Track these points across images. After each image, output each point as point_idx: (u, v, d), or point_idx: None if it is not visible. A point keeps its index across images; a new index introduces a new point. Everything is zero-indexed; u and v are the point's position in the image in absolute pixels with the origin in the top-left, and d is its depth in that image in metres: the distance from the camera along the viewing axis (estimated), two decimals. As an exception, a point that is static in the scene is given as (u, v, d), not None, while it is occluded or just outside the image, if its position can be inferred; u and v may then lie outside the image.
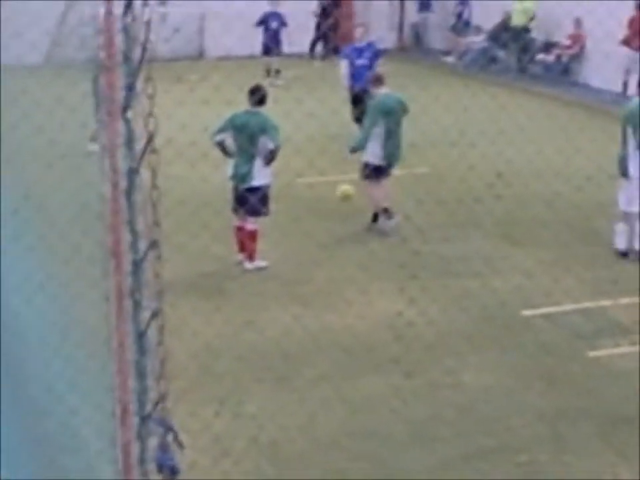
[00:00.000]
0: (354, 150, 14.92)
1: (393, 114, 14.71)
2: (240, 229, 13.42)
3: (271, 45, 25.91)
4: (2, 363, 5.33)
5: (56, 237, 6.60)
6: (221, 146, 13.33)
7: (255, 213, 13.16)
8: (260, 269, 13.25)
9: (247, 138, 13.08)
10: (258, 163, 13.10)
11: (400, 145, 14.84)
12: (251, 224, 13.29)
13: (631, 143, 13.37)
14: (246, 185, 13.12)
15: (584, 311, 12.02)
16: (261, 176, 13.19)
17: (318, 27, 28.84)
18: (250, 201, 12.78)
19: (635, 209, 13.46)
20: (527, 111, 18.33)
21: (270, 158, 13.14)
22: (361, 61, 17.94)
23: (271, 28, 25.83)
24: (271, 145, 13.06)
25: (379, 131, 14.60)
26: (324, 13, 28.53)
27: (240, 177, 13.20)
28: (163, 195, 4.57)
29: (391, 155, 14.79)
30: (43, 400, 5.91)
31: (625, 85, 22.86)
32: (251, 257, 13.31)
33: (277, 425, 9.37)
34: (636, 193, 13.31)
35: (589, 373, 10.54)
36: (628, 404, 9.78)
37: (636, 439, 9.08)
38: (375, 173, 14.69)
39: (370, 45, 18.73)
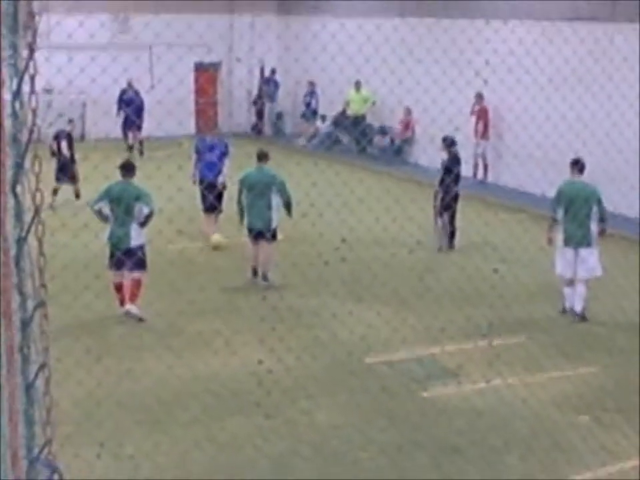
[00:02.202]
0: (240, 217, 15.14)
1: (255, 186, 14.80)
2: (119, 286, 13.37)
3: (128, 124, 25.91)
4: None
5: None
6: (99, 213, 13.36)
7: (138, 267, 13.22)
8: (140, 319, 13.22)
9: (124, 205, 13.18)
10: (134, 226, 13.18)
11: (266, 214, 14.86)
12: (136, 274, 13.32)
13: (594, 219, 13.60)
14: (125, 246, 13.14)
15: (418, 357, 12.17)
16: (137, 237, 13.27)
17: None
18: (131, 258, 12.87)
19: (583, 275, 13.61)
20: (366, 186, 18.56)
21: (145, 221, 13.25)
22: (210, 157, 17.49)
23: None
24: (146, 210, 13.18)
25: (245, 200, 14.90)
26: None
27: (118, 239, 13.21)
28: (48, 260, 4.46)
29: (253, 221, 14.86)
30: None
31: (476, 165, 23.52)
32: (132, 301, 13.33)
33: (152, 464, 9.19)
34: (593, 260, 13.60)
35: (422, 410, 10.63)
36: (457, 437, 9.91)
37: (465, 467, 9.19)
38: (249, 235, 15.00)
39: (221, 142, 18.06)
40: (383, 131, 26.92)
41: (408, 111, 25.47)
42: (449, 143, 17.79)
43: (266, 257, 15.18)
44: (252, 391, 10.63)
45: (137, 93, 27.22)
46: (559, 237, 13.85)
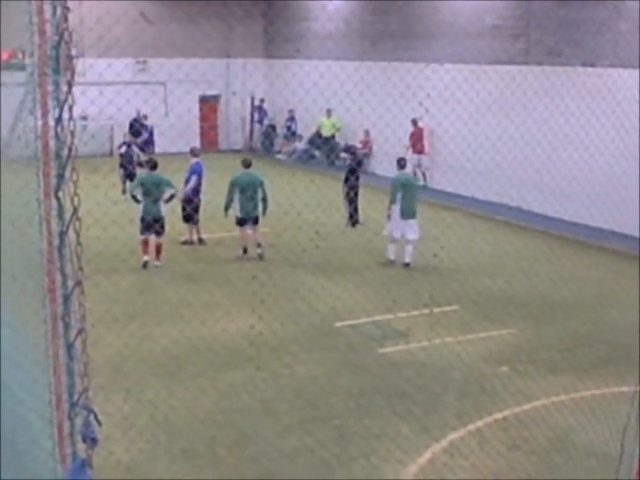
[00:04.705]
0: (225, 210, 15.29)
1: (246, 186, 15.13)
2: (146, 241, 14.46)
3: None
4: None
5: (8, 279, 6.35)
6: (134, 197, 14.50)
7: (161, 233, 14.35)
8: (159, 267, 14.39)
9: (155, 189, 14.33)
10: (161, 203, 14.44)
11: (255, 206, 15.22)
12: (159, 239, 14.43)
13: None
14: (156, 217, 14.26)
15: (375, 322, 12.20)
16: (163, 210, 14.51)
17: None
18: (158, 225, 14.11)
19: (412, 237, 14.83)
20: (334, 190, 18.59)
21: (171, 198, 14.55)
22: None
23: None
24: (172, 191, 14.56)
25: (238, 196, 15.15)
26: None
27: (151, 213, 14.27)
28: (84, 249, 4.45)
29: (247, 212, 15.20)
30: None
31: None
32: (158, 259, 14.47)
33: (168, 406, 9.18)
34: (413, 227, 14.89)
35: (379, 363, 10.66)
36: (406, 384, 9.94)
37: (412, 407, 9.24)
38: (240, 222, 15.34)
39: (197, 163, 16.34)
40: (348, 148, 26.92)
41: (367, 133, 25.48)
42: (351, 151, 19.48)
43: (258, 235, 15.50)
44: (246, 349, 10.63)
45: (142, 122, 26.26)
46: (396, 212, 14.80)
